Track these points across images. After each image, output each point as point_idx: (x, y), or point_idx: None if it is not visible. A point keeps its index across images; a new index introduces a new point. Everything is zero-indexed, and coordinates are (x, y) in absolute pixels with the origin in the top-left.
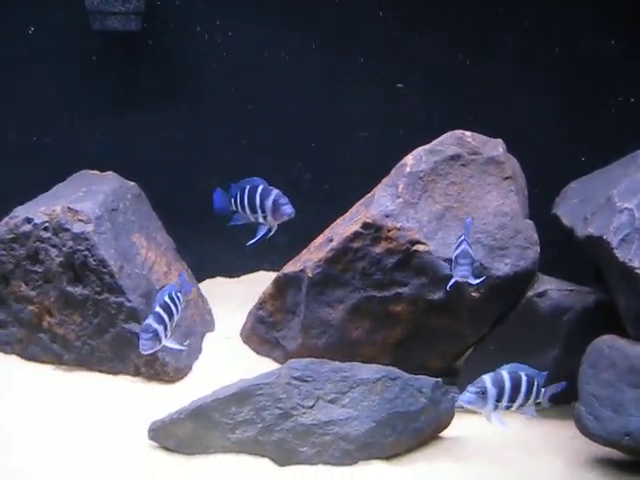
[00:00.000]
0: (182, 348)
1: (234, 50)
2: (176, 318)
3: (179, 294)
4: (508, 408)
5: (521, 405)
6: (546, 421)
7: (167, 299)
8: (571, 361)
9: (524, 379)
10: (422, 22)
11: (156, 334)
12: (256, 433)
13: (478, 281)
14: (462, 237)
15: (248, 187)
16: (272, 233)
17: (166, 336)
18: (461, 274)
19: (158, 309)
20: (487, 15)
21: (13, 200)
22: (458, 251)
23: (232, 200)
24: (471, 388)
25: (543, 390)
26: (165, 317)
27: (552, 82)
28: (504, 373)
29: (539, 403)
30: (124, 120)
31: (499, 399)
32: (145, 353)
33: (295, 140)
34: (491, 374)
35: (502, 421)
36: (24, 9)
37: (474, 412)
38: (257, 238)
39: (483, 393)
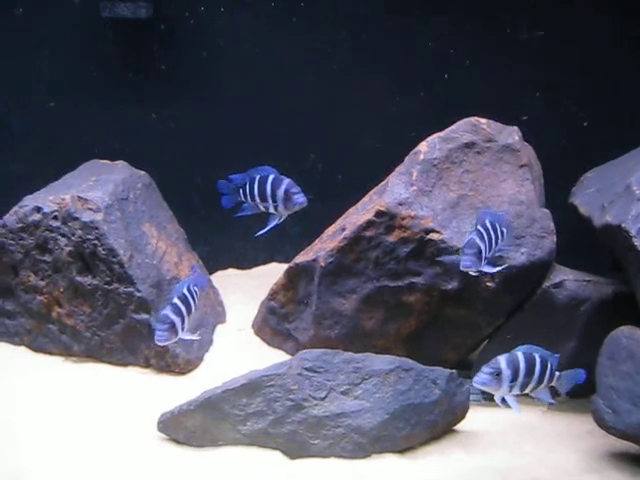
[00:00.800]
0: (197, 338)
1: (247, 40)
2: (193, 311)
3: (196, 287)
4: (522, 390)
5: (534, 388)
6: (563, 414)
7: (185, 291)
8: (588, 353)
9: (538, 360)
10: (436, 12)
11: (173, 325)
12: (267, 425)
13: (486, 270)
14: (475, 226)
15: (258, 176)
16: (280, 221)
17: (183, 329)
18: (463, 264)
19: (176, 300)
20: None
21: (23, 190)
22: (465, 241)
23: (240, 190)
24: (485, 369)
25: (557, 374)
26: (183, 309)
27: (569, 70)
28: (519, 354)
29: (556, 391)
30: (137, 109)
31: (513, 380)
32: (160, 344)
33: (308, 130)
34: (506, 355)
35: (516, 406)
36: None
37: (489, 405)
38: (267, 228)
39: (498, 374)
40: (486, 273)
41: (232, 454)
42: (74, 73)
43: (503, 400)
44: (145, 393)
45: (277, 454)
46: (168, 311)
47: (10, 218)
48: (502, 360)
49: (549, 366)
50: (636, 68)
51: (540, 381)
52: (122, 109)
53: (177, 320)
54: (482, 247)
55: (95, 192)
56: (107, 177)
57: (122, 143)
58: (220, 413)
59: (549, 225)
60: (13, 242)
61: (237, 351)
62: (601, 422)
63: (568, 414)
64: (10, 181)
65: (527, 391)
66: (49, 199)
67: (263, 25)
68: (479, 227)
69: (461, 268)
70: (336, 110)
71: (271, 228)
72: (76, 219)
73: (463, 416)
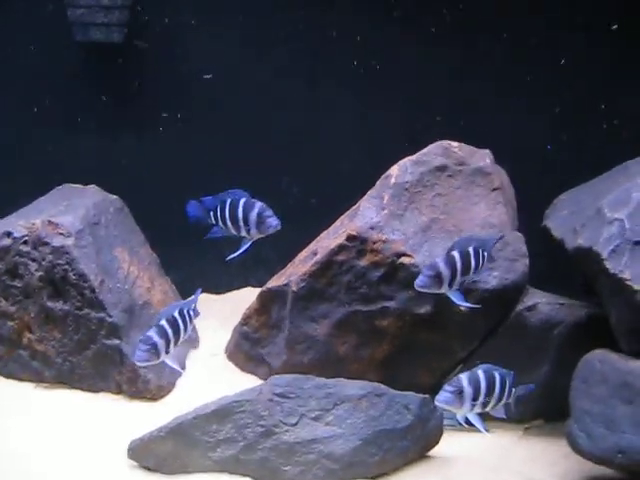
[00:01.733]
0: (181, 371)
1: (221, 64)
2: (182, 337)
3: (191, 312)
4: (483, 408)
5: (494, 405)
6: (539, 438)
7: (177, 315)
8: (562, 376)
9: (497, 378)
10: (417, 29)
11: (155, 347)
12: (238, 452)
13: (452, 298)
14: (448, 251)
15: (229, 200)
16: (250, 244)
17: (167, 352)
18: (417, 282)
19: (163, 322)
20: (478, 21)
21: None
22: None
23: (211, 213)
24: (447, 387)
25: (513, 390)
26: (169, 332)
27: (543, 91)
28: (479, 372)
29: (508, 404)
30: (110, 133)
31: (475, 398)
32: (140, 365)
33: (282, 154)
34: (467, 373)
35: (481, 424)
36: (6, 22)
37: (464, 430)
38: (239, 252)
39: (460, 393)
40: (452, 301)
41: None
42: (46, 97)
43: (467, 420)
44: (116, 419)
45: None
46: (152, 332)
47: None
48: (463, 378)
49: (507, 383)
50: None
51: (500, 398)
52: (95, 133)
53: (160, 342)
54: (444, 272)
55: (66, 217)
56: (78, 201)
57: (94, 167)
58: (190, 439)
59: (521, 248)
60: None
61: (210, 377)
62: (575, 446)
63: (544, 438)
64: None
65: (487, 409)
66: (19, 224)
67: (238, 48)
68: (454, 252)
69: (415, 286)
70: (310, 134)
71: (243, 252)
72: (46, 244)
73: (437, 441)
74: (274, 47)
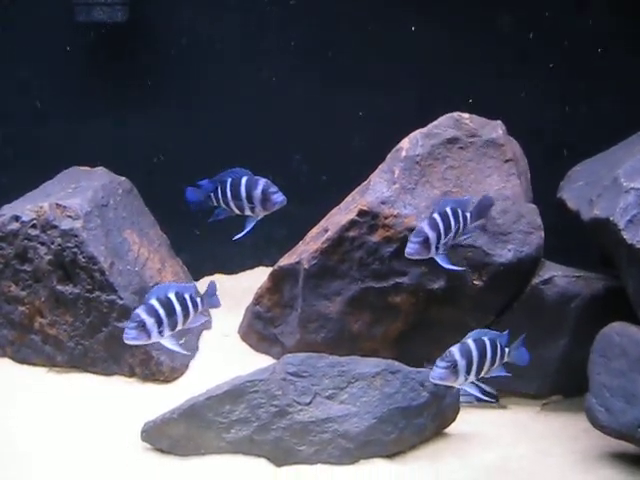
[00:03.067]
0: (185, 352)
1: (228, 41)
2: (180, 319)
3: (197, 299)
4: (478, 375)
5: (488, 370)
6: (557, 414)
7: (172, 296)
8: (580, 350)
9: (488, 344)
10: (419, 12)
11: (143, 325)
12: (252, 432)
13: (438, 261)
14: (430, 214)
15: (230, 179)
16: (257, 221)
17: (161, 334)
18: (407, 251)
19: (153, 301)
20: None
21: (1, 199)
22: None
23: (211, 195)
24: (441, 363)
25: (507, 350)
26: (161, 312)
27: (555, 62)
28: (470, 342)
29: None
30: (118, 114)
31: (469, 369)
32: (128, 343)
33: (292, 132)
34: (458, 345)
35: (476, 392)
36: (7, 4)
37: (481, 406)
38: (245, 231)
39: (454, 367)
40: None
41: (217, 463)
42: (52, 79)
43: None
44: (130, 402)
45: (263, 462)
46: (140, 310)
47: None
48: (455, 352)
49: (498, 346)
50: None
51: (493, 362)
52: (102, 114)
53: (150, 321)
54: (430, 235)
55: (74, 199)
56: (86, 184)
57: (103, 149)
58: (204, 421)
59: (536, 220)
60: None
61: (223, 357)
62: (595, 421)
63: (562, 413)
64: None
65: (482, 374)
66: (27, 207)
67: (246, 27)
68: (434, 215)
69: (405, 254)
70: (320, 111)
71: (249, 231)
72: (55, 227)
73: (454, 418)
74: (281, 25)
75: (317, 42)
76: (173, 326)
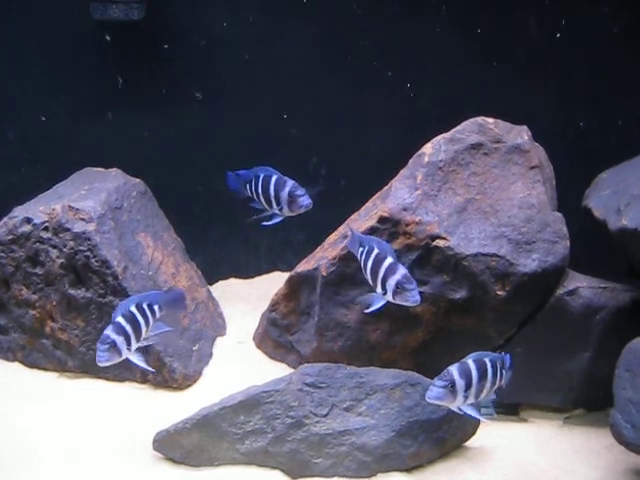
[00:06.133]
0: (149, 369)
1: (246, 39)
2: (144, 331)
3: (155, 307)
4: (477, 397)
5: (488, 392)
6: (580, 428)
7: (134, 309)
8: (604, 364)
9: (489, 365)
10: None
11: (114, 345)
12: (266, 444)
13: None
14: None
15: (262, 175)
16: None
17: (129, 349)
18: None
19: (120, 319)
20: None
21: (13, 200)
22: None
23: (247, 186)
24: (438, 382)
25: (504, 373)
26: (128, 328)
27: (581, 68)
28: (470, 362)
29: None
30: (132, 115)
31: (467, 390)
32: (101, 365)
33: (310, 135)
34: (457, 365)
35: (476, 414)
36: (24, 3)
37: (501, 419)
38: (272, 222)
39: (452, 386)
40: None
41: (230, 474)
42: (66, 79)
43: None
44: (141, 410)
45: (277, 474)
46: (109, 331)
47: (0, 230)
48: (454, 371)
49: (499, 368)
50: None
51: (493, 384)
52: (117, 115)
53: (119, 340)
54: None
55: (87, 201)
56: (100, 185)
57: (117, 150)
58: (217, 431)
59: (562, 229)
60: (4, 255)
61: (237, 365)
62: (620, 437)
63: (585, 428)
64: (1, 191)
65: (482, 397)
66: (39, 209)
67: (263, 26)
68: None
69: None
70: (339, 114)
71: (275, 223)
72: (67, 230)
73: (474, 432)
74: (301, 25)
75: (337, 44)
76: (138, 338)
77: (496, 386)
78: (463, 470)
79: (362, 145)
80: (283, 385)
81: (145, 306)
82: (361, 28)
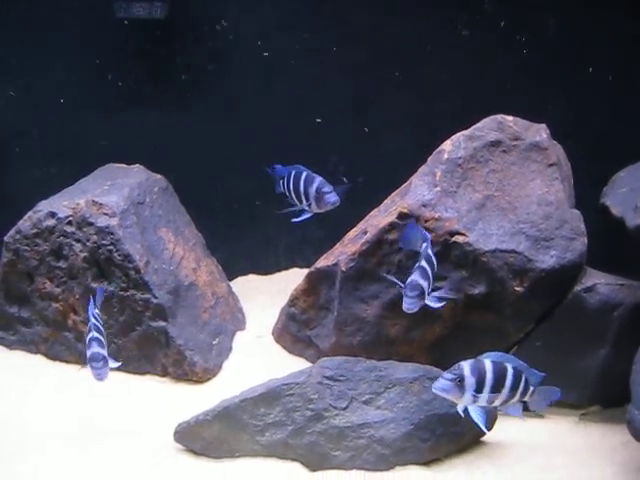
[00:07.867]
0: (117, 364)
1: (268, 39)
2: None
3: (95, 311)
4: (490, 402)
5: (505, 401)
6: (596, 425)
7: (94, 319)
8: (621, 361)
9: (510, 371)
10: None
11: (105, 360)
12: (286, 436)
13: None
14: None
15: (294, 172)
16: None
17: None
18: (406, 307)
19: (95, 333)
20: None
21: (38, 195)
22: (407, 280)
23: (281, 182)
24: (447, 374)
25: (532, 388)
26: (103, 340)
27: (599, 66)
28: (486, 361)
29: (525, 402)
30: (154, 112)
31: (478, 389)
32: (100, 381)
33: (329, 132)
34: (470, 361)
35: (480, 419)
36: (47, 1)
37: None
38: (302, 218)
39: (460, 381)
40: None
41: (250, 465)
42: (90, 76)
43: (465, 410)
44: (162, 402)
45: (297, 466)
46: (98, 348)
47: (24, 224)
48: (465, 366)
49: (523, 379)
50: None
51: (512, 395)
52: (139, 112)
53: (424, 284)
54: (425, 285)
55: (110, 196)
56: (123, 181)
57: (139, 146)
58: (238, 423)
59: (580, 226)
60: (28, 248)
61: (257, 359)
62: (637, 433)
63: (601, 424)
64: (26, 186)
65: (496, 404)
66: (63, 204)
67: (282, 25)
68: (422, 263)
69: (404, 309)
70: (358, 111)
71: (306, 219)
72: (91, 224)
73: (491, 427)
74: (322, 25)
75: (356, 43)
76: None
77: (517, 398)
78: (480, 465)
79: (381, 142)
80: (303, 378)
81: (95, 313)
82: (379, 28)
